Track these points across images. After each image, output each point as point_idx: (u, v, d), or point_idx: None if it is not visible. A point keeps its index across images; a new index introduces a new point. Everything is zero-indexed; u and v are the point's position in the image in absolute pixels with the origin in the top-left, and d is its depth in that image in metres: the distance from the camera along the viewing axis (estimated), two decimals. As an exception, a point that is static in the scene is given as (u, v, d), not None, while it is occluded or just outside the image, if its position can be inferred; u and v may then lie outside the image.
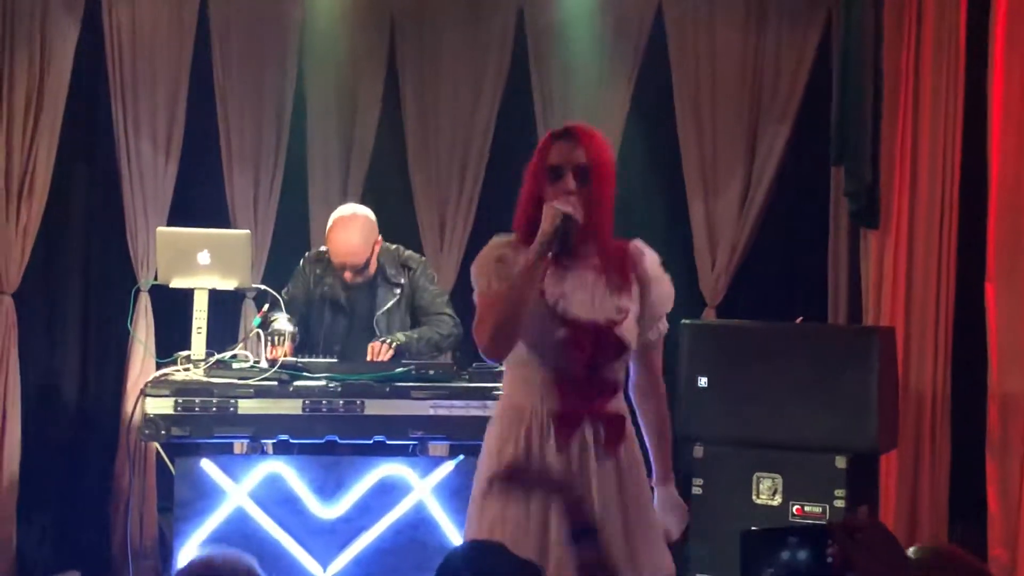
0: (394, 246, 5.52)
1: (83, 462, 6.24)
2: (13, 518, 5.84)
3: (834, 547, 1.71)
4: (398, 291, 5.42)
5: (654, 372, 3.53)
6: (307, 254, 5.56)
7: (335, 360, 5.16)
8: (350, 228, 5.32)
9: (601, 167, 3.38)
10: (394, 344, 5.24)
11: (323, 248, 5.49)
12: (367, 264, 5.35)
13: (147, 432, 4.88)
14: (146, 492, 6.06)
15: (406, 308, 5.45)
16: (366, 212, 5.42)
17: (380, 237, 5.41)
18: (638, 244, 3.54)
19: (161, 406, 4.87)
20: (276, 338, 5.10)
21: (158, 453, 5.60)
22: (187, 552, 4.86)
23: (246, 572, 2.45)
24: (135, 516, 5.87)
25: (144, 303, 6.24)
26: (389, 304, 5.40)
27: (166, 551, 6.03)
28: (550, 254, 3.29)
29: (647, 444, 3.52)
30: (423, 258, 5.62)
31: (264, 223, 6.56)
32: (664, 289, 3.50)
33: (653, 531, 3.43)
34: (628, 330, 3.36)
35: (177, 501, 4.93)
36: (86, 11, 6.14)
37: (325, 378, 4.98)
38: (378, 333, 5.35)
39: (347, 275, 5.33)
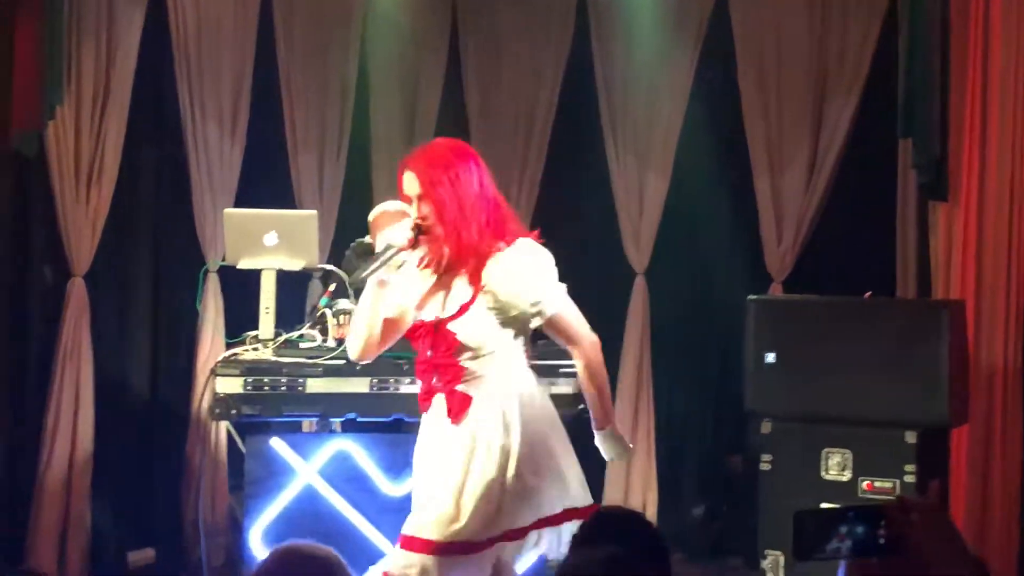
0: None
1: (155, 441, 6.32)
2: (88, 497, 5.92)
3: (887, 527, 1.69)
4: None
5: (565, 338, 3.89)
6: (352, 245, 5.58)
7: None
8: (391, 219, 5.35)
9: (431, 191, 3.74)
10: None
11: (367, 240, 5.53)
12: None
13: (217, 411, 4.94)
14: (216, 470, 6.12)
15: None
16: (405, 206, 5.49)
17: None
18: (498, 247, 3.77)
19: (231, 385, 4.94)
20: (342, 318, 5.14)
21: (228, 432, 5.65)
22: (258, 530, 4.92)
23: (327, 558, 2.46)
24: (207, 495, 5.94)
25: (213, 284, 6.30)
26: None
27: (237, 529, 6.10)
28: (386, 275, 3.80)
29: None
30: None
31: (329, 204, 6.59)
32: (511, 288, 3.74)
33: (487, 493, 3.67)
34: (465, 325, 3.73)
35: (247, 479, 4.99)
36: (151, -5, 6.19)
37: (391, 356, 5.00)
38: None
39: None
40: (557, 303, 3.82)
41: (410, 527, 3.75)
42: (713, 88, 6.61)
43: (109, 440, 6.08)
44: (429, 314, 3.82)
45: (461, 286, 3.77)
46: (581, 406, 4.11)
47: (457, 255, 3.76)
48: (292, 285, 5.86)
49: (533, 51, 6.82)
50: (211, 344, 6.26)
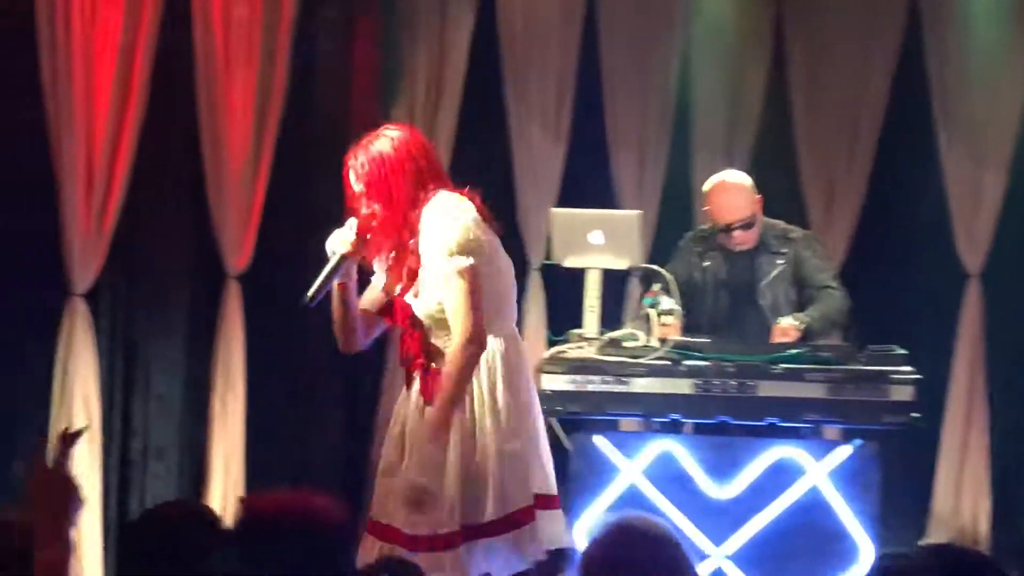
0: (776, 221, 5.46)
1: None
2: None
3: None
4: (781, 261, 5.35)
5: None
6: (687, 234, 5.56)
7: (727, 340, 5.14)
8: (729, 188, 5.36)
9: (369, 186, 3.77)
10: (801, 326, 5.15)
11: (704, 226, 5.49)
12: (752, 224, 5.29)
13: (544, 408, 4.99)
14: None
15: (791, 280, 5.36)
16: (742, 174, 5.48)
17: (760, 197, 5.38)
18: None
19: (557, 382, 4.99)
20: (666, 317, 5.12)
21: (550, 428, 5.70)
22: (581, 526, 4.96)
23: (661, 533, 2.45)
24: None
25: (535, 282, 6.40)
26: (773, 274, 5.33)
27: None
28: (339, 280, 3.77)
29: None
30: (805, 232, 5.53)
31: (649, 203, 6.57)
32: (426, 241, 3.70)
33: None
34: (417, 298, 3.74)
35: (571, 476, 5.02)
36: (481, -2, 6.33)
37: (717, 358, 4.96)
38: (762, 304, 5.30)
39: (736, 236, 5.30)
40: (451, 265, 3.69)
41: (418, 526, 3.66)
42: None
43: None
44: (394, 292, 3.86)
45: (410, 259, 3.77)
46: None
47: (399, 240, 3.76)
48: (610, 283, 5.89)
49: (861, 47, 6.61)
50: (533, 341, 6.34)
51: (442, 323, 3.74)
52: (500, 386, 3.75)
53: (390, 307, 3.90)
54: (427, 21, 6.16)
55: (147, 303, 5.69)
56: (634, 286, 6.34)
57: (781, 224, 5.46)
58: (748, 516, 4.92)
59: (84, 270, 5.38)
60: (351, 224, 3.81)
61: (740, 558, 4.91)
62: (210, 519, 2.53)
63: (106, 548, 5.38)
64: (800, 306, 5.34)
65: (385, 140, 3.84)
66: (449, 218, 3.73)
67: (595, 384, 4.97)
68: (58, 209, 5.25)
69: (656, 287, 5.19)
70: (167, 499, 5.21)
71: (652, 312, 5.11)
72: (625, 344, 5.07)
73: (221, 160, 5.61)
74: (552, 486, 3.89)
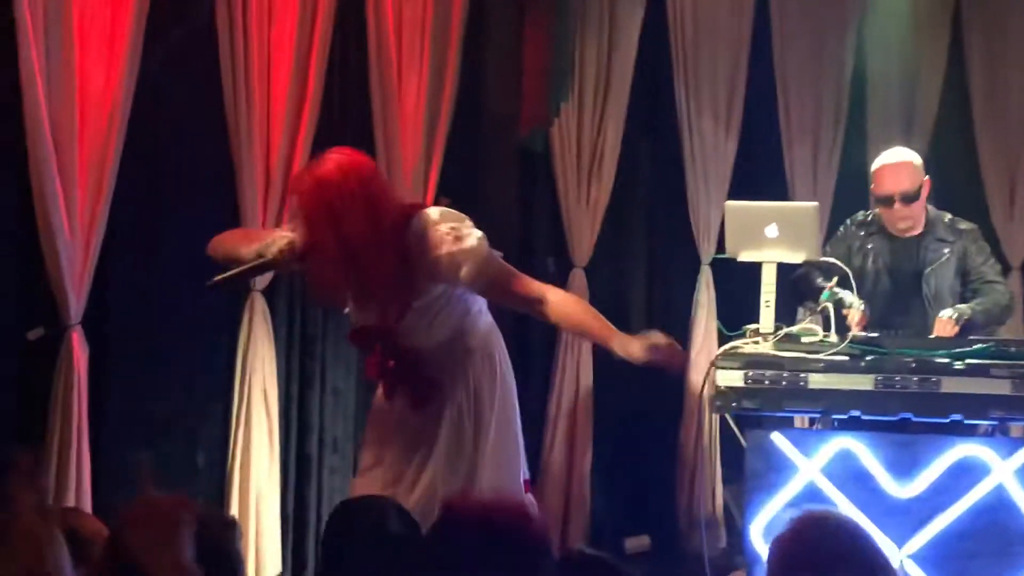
0: (943, 212, 5.33)
1: (649, 429, 6.42)
2: (588, 481, 6.11)
3: None
4: (947, 250, 5.23)
5: (518, 304, 3.87)
6: (849, 219, 5.45)
7: (907, 335, 5.02)
8: (898, 165, 5.25)
9: (312, 227, 3.59)
10: (961, 319, 5.02)
11: (866, 212, 5.39)
12: (915, 199, 5.20)
13: (718, 404, 4.95)
14: (710, 462, 6.14)
15: (955, 272, 5.23)
16: (911, 151, 5.36)
17: (928, 179, 5.27)
18: (414, 223, 3.66)
19: (731, 378, 4.91)
20: (846, 311, 5.03)
21: (723, 424, 5.65)
22: (759, 524, 4.89)
23: (855, 526, 2.41)
24: (707, 486, 5.97)
25: (706, 276, 6.35)
26: (939, 262, 5.21)
27: (730, 521, 6.11)
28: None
29: None
30: (974, 226, 5.38)
31: (823, 195, 6.47)
32: (440, 269, 3.64)
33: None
34: (410, 326, 3.71)
35: (748, 473, 4.96)
36: (652, -11, 6.30)
37: (898, 353, 4.84)
38: (926, 291, 5.19)
39: (897, 209, 5.19)
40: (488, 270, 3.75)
41: None
42: None
43: (606, 426, 6.24)
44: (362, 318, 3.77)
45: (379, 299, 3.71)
46: None
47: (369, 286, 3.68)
48: (782, 276, 5.80)
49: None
50: (704, 336, 6.31)
51: (452, 350, 3.77)
52: (502, 377, 3.87)
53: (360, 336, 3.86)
54: (597, 16, 6.15)
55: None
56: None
57: (949, 215, 5.35)
58: (931, 516, 4.79)
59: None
60: (288, 237, 3.71)
61: (922, 558, 4.78)
62: (409, 518, 2.56)
63: (284, 539, 5.48)
64: (963, 299, 5.22)
65: (333, 167, 3.68)
66: (451, 236, 3.69)
67: (771, 380, 4.90)
68: (238, 209, 5.36)
69: (835, 280, 5.09)
70: (341, 492, 5.31)
71: (831, 306, 5.01)
72: (803, 339, 4.98)
73: (394, 162, 5.67)
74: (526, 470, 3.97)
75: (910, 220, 5.27)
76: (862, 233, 5.36)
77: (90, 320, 5.02)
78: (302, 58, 5.44)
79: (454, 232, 3.69)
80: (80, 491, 4.93)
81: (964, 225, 5.33)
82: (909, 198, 5.21)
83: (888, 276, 5.30)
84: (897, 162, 5.27)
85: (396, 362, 3.80)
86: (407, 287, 3.67)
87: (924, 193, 5.27)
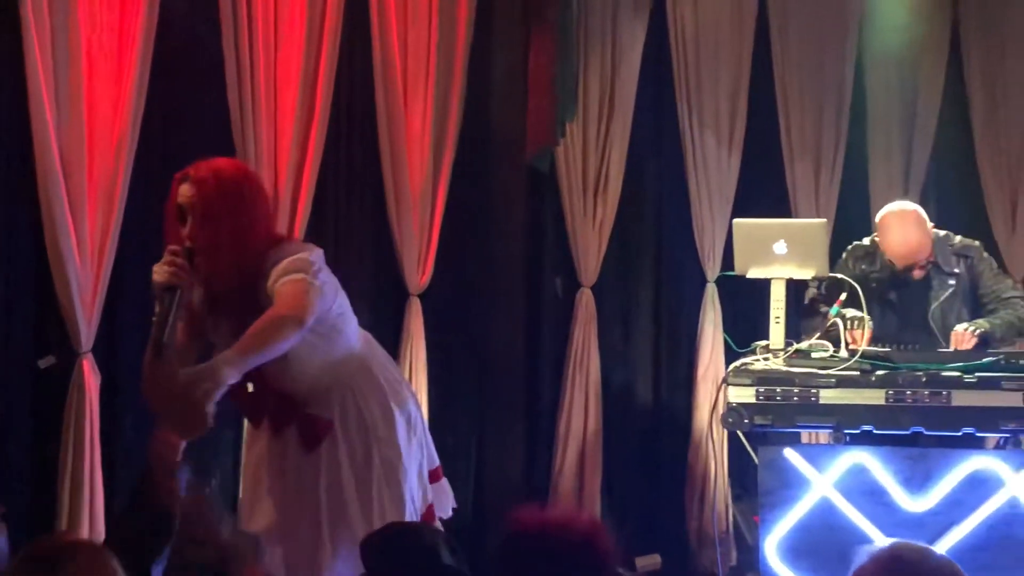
0: (943, 233, 5.33)
1: (658, 447, 6.42)
2: (598, 500, 6.11)
3: None
4: (953, 282, 5.21)
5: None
6: (849, 247, 5.46)
7: (917, 349, 5.04)
8: (907, 225, 5.22)
9: (208, 211, 3.43)
10: (978, 332, 5.04)
11: (865, 241, 5.39)
12: (930, 261, 5.21)
13: (730, 420, 4.97)
14: (717, 479, 6.15)
15: (963, 300, 5.22)
16: (914, 206, 5.32)
17: (932, 226, 5.27)
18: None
19: (743, 395, 4.95)
20: (855, 326, 5.03)
21: (731, 441, 5.66)
22: (772, 541, 4.90)
23: (947, 566, 2.35)
24: (718, 504, 5.97)
25: (711, 293, 6.37)
26: (944, 296, 5.21)
27: (740, 539, 6.11)
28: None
29: None
30: (978, 243, 5.38)
31: (825, 213, 6.47)
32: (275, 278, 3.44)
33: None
34: (279, 361, 3.47)
35: (761, 490, 4.97)
36: (652, 10, 6.31)
37: (909, 367, 4.87)
38: (933, 328, 5.18)
39: (916, 273, 5.19)
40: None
41: None
42: None
43: (615, 445, 6.25)
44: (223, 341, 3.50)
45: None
46: None
47: (237, 280, 3.49)
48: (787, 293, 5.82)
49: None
50: (710, 353, 6.32)
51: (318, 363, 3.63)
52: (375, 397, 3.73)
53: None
54: (599, 36, 6.18)
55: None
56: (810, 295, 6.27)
57: (950, 237, 5.33)
58: (945, 529, 4.81)
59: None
60: (175, 252, 3.46)
61: (937, 572, 4.78)
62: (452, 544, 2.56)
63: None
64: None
65: (230, 164, 3.65)
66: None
67: (783, 396, 4.91)
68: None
69: (843, 296, 5.10)
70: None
71: (840, 322, 5.03)
72: (813, 355, 5.00)
73: (401, 185, 5.69)
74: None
75: (924, 267, 5.25)
76: (863, 266, 5.33)
77: (101, 347, 5.03)
78: (308, 81, 5.46)
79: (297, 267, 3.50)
80: (94, 518, 4.94)
81: (971, 250, 5.30)
82: (923, 256, 5.22)
83: (894, 312, 5.29)
84: (919, 229, 5.19)
85: (272, 399, 3.66)
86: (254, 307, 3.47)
87: (930, 236, 5.25)
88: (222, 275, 3.50)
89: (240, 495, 3.95)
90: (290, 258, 3.48)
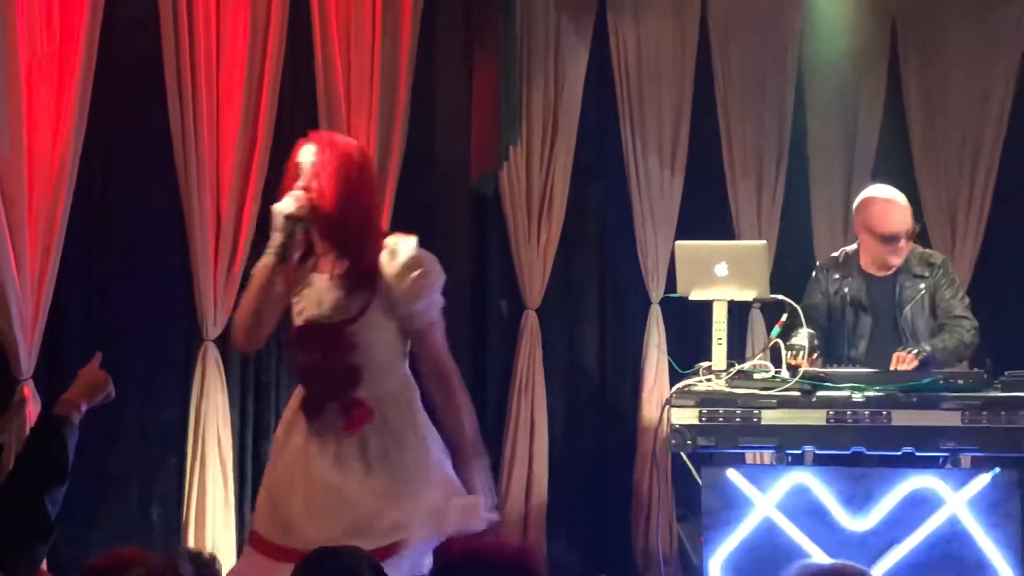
0: (915, 245, 5.41)
1: (604, 469, 6.44)
2: (544, 523, 6.12)
3: None
4: (922, 286, 5.28)
5: (429, 357, 3.77)
6: (819, 263, 5.51)
7: (858, 370, 5.08)
8: (904, 207, 5.28)
9: (324, 166, 3.65)
10: (920, 355, 5.10)
11: (834, 253, 5.45)
12: (913, 237, 5.29)
13: (674, 442, 4.99)
14: (662, 500, 6.18)
15: (930, 306, 5.29)
16: (898, 191, 5.39)
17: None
18: (391, 241, 3.72)
19: (686, 416, 4.97)
20: (796, 348, 5.07)
21: (675, 461, 5.69)
22: (716, 561, 4.92)
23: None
24: (664, 525, 5.99)
25: (655, 315, 6.40)
26: (915, 298, 5.26)
27: (685, 559, 6.15)
28: (290, 257, 3.68)
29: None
30: (945, 257, 5.46)
31: (768, 231, 6.55)
32: (406, 286, 3.68)
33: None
34: (364, 326, 3.67)
35: (704, 510, 5.00)
36: (595, 35, 6.35)
37: (849, 388, 4.91)
38: (904, 328, 5.23)
39: (900, 252, 5.23)
40: (436, 313, 3.76)
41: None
42: None
43: (561, 468, 6.26)
44: (316, 312, 3.72)
45: (347, 283, 3.67)
46: None
47: (345, 243, 3.68)
48: (731, 315, 5.85)
49: (980, 67, 6.56)
50: (655, 375, 6.35)
51: (374, 356, 3.72)
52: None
53: (308, 333, 3.76)
54: (542, 59, 6.21)
55: (276, 347, 5.77)
56: (756, 317, 6.33)
57: (919, 248, 5.41)
58: (886, 548, 4.85)
59: (215, 315, 5.45)
60: (296, 194, 3.70)
61: (879, 591, 4.84)
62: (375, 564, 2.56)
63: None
64: (933, 333, 5.28)
65: (357, 149, 3.83)
66: (431, 259, 3.76)
67: (725, 417, 4.95)
68: (189, 257, 5.34)
69: (785, 317, 5.15)
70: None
71: (781, 343, 5.07)
72: (755, 376, 5.04)
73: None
74: None
75: (903, 256, 5.32)
76: (836, 276, 5.39)
77: (42, 373, 4.99)
78: (251, 104, 5.45)
79: (428, 267, 3.75)
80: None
81: (936, 259, 5.38)
82: (910, 236, 5.28)
83: (868, 315, 5.34)
84: (903, 204, 5.27)
85: (337, 370, 3.73)
86: (374, 281, 3.69)
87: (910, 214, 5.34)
88: (332, 220, 3.68)
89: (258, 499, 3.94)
90: (435, 285, 3.75)
